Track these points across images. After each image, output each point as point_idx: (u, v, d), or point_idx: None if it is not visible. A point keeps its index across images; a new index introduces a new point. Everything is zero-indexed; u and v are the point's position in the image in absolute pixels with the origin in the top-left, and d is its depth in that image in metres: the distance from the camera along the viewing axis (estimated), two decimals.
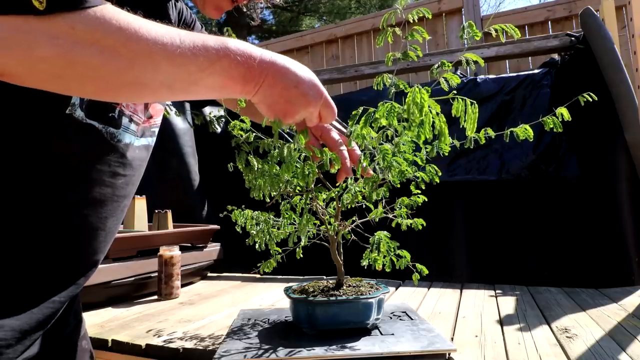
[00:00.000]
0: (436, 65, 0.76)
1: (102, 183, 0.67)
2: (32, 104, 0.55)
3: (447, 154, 0.86)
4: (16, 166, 0.57)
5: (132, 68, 0.47)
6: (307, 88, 0.62)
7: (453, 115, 0.72)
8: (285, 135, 0.84)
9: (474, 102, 0.70)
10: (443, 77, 0.74)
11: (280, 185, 0.85)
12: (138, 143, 0.73)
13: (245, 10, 0.93)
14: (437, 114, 0.72)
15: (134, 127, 0.71)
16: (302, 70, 0.62)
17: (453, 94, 0.71)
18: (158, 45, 0.48)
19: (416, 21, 0.74)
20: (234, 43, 0.55)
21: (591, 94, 0.84)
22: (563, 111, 0.83)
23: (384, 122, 0.73)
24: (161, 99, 0.60)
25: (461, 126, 0.72)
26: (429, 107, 0.71)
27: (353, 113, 0.76)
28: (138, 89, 0.51)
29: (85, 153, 0.63)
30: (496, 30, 0.71)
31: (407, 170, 0.85)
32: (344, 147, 0.83)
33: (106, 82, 0.48)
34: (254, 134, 0.86)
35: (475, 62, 0.74)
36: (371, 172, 0.85)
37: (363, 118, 0.75)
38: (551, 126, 0.84)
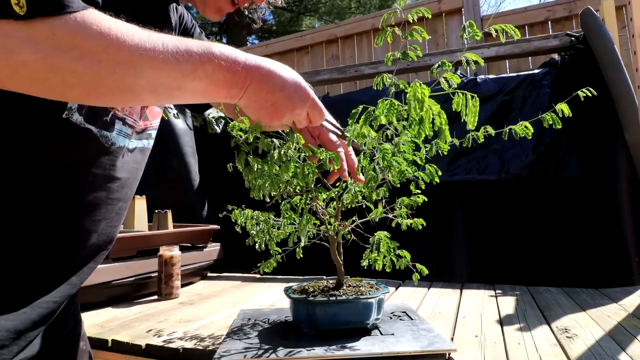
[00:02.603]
0: (436, 65, 0.76)
1: (96, 187, 0.67)
2: (27, 108, 0.55)
3: (446, 154, 0.86)
4: (10, 169, 0.57)
5: (113, 73, 0.47)
6: (293, 91, 0.63)
7: (454, 110, 0.72)
8: (285, 135, 0.84)
9: (475, 95, 0.70)
10: (443, 77, 0.74)
11: (280, 185, 0.85)
12: (132, 146, 0.72)
13: (246, 13, 0.93)
14: (438, 111, 0.72)
15: (128, 130, 0.70)
16: (287, 73, 0.63)
17: (453, 89, 0.71)
18: (140, 50, 0.48)
19: (416, 21, 0.74)
20: (218, 48, 0.55)
21: (590, 88, 0.84)
22: (563, 107, 0.83)
23: (383, 120, 0.73)
24: (146, 104, 0.60)
25: (462, 119, 0.72)
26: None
27: (353, 111, 0.76)
28: (120, 94, 0.51)
29: (80, 157, 0.63)
30: (496, 31, 0.71)
31: (407, 170, 0.85)
32: (341, 149, 0.83)
33: (88, 87, 0.48)
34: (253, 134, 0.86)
35: (475, 62, 0.74)
36: (362, 178, 0.86)
37: (363, 116, 0.75)
38: (550, 122, 0.84)
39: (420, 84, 0.70)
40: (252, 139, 0.80)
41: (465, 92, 0.70)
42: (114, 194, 0.70)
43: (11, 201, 0.58)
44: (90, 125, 0.62)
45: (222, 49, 0.56)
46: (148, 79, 0.50)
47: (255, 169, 0.83)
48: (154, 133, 0.79)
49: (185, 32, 0.90)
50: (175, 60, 0.51)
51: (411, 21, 0.74)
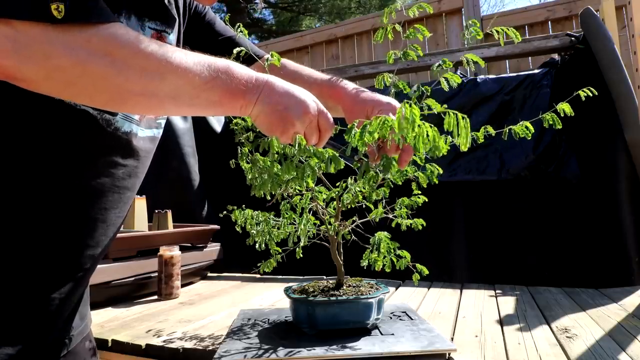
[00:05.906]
0: (436, 65, 0.76)
1: (99, 172, 0.66)
2: (19, 91, 0.53)
3: (445, 154, 0.85)
4: (6, 155, 0.56)
5: (140, 78, 0.51)
6: (303, 95, 0.66)
7: (445, 130, 0.70)
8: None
9: (465, 116, 0.67)
10: (444, 77, 0.74)
11: (281, 185, 0.85)
12: (143, 134, 0.72)
13: None
14: (431, 126, 0.68)
15: (136, 115, 0.69)
16: (294, 85, 0.67)
17: (444, 108, 0.69)
18: (166, 58, 0.53)
19: (417, 16, 0.74)
20: (234, 64, 0.61)
21: (591, 88, 0.83)
22: (565, 106, 0.83)
23: (376, 136, 0.71)
24: (166, 112, 0.62)
25: (452, 141, 0.70)
26: (421, 119, 0.68)
27: (349, 126, 0.73)
28: (145, 100, 0.55)
29: (79, 140, 0.62)
30: (498, 32, 0.71)
31: (406, 169, 0.85)
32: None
33: (116, 92, 0.52)
34: (254, 133, 0.86)
35: (475, 63, 0.73)
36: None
37: (357, 133, 0.72)
38: (550, 122, 0.84)
39: (409, 105, 0.66)
40: (252, 138, 0.80)
41: (457, 112, 0.68)
42: (120, 181, 0.69)
43: (11, 187, 0.57)
44: (86, 107, 0.61)
45: (237, 65, 0.61)
46: (171, 84, 0.54)
47: (257, 166, 0.83)
48: (162, 122, 0.78)
49: (197, 15, 0.88)
50: (196, 68, 0.56)
51: (412, 16, 0.74)
